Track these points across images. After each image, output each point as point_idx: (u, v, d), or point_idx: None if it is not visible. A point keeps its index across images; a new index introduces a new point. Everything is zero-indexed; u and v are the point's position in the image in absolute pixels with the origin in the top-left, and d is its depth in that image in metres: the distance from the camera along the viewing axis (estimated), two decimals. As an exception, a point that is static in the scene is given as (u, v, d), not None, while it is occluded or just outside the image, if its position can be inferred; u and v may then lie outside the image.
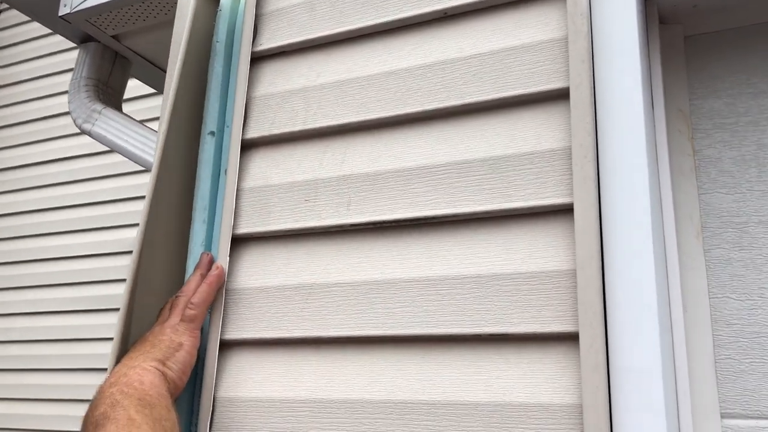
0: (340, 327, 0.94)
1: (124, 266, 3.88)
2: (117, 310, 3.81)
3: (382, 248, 0.96)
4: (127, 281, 1.06)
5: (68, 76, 4.59)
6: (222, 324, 1.00)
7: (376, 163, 0.99)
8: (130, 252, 3.91)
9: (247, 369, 0.98)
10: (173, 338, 0.93)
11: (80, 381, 3.79)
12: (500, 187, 0.90)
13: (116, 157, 4.06)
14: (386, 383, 0.89)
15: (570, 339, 0.81)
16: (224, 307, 1.01)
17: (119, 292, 3.86)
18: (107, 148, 3.96)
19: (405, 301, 0.91)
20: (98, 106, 1.50)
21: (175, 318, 0.96)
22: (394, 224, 0.96)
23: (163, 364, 0.90)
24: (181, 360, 0.92)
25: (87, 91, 1.53)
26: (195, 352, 0.95)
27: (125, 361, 0.91)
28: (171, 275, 1.08)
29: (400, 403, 0.87)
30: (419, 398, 0.86)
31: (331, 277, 0.97)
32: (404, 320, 0.90)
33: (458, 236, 0.91)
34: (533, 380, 0.82)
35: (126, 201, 4.14)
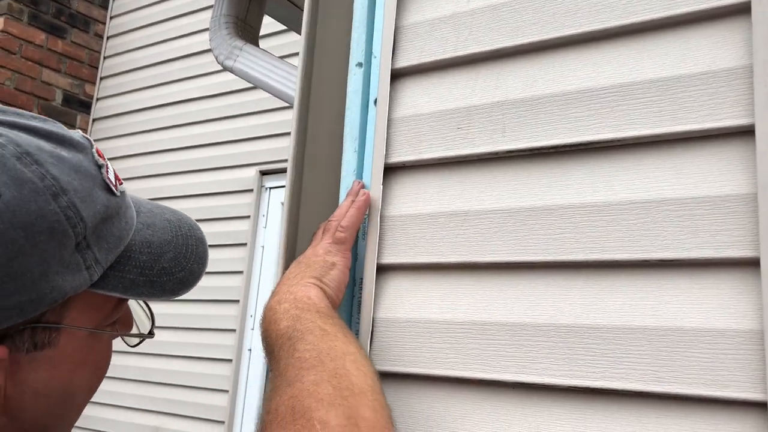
0: (497, 253, 0.95)
1: (246, 204, 4.05)
2: (239, 245, 4.00)
3: (540, 175, 0.95)
4: (285, 212, 1.11)
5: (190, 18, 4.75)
6: (378, 249, 1.04)
7: (533, 88, 0.97)
8: (251, 190, 4.07)
9: (404, 292, 1.01)
10: (327, 259, 0.97)
11: (214, 312, 4.03)
12: (670, 110, 0.86)
13: (246, 97, 4.21)
14: (548, 307, 0.90)
15: (748, 264, 0.79)
16: (380, 233, 1.04)
17: (241, 229, 4.05)
18: (239, 88, 4.12)
19: (566, 227, 0.91)
20: (239, 43, 1.54)
21: (326, 240, 0.99)
22: (552, 150, 0.94)
23: (321, 281, 0.94)
24: (336, 278, 0.96)
25: (227, 27, 1.57)
26: (347, 272, 0.99)
27: (284, 281, 0.95)
28: (325, 203, 1.12)
29: (563, 326, 0.88)
30: (583, 322, 0.87)
31: (486, 204, 0.98)
32: (566, 246, 0.90)
33: (623, 161, 0.89)
34: (706, 305, 0.80)
35: (253, 140, 4.29)
